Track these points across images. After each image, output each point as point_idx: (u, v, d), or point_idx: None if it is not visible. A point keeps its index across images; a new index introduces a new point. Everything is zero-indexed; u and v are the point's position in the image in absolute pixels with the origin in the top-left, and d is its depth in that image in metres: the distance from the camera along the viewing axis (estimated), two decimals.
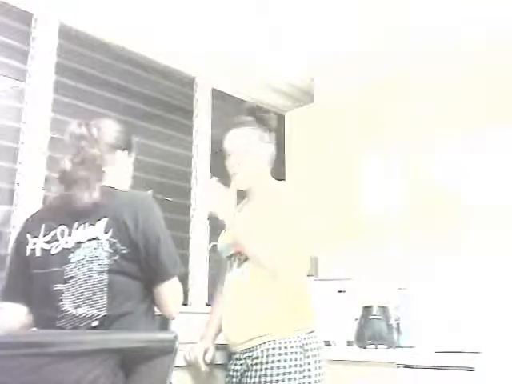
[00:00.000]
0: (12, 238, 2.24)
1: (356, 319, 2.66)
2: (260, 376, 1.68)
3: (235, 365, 1.78)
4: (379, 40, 3.00)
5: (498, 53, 2.72)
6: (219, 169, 3.16)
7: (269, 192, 1.87)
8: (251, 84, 3.45)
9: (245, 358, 1.74)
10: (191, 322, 2.60)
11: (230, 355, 1.84)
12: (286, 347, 1.68)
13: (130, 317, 1.50)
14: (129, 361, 1.23)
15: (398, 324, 2.63)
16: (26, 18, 2.53)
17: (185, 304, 2.83)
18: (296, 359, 1.66)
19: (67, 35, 2.65)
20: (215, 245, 3.04)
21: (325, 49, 3.14)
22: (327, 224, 3.06)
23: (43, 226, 1.56)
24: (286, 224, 1.74)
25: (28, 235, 1.58)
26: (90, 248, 1.48)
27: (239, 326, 1.78)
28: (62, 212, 1.56)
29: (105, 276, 1.47)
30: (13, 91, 2.46)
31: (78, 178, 1.53)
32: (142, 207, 1.56)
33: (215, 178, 1.83)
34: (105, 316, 1.46)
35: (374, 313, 2.60)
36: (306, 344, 1.70)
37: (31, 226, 1.60)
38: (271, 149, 1.96)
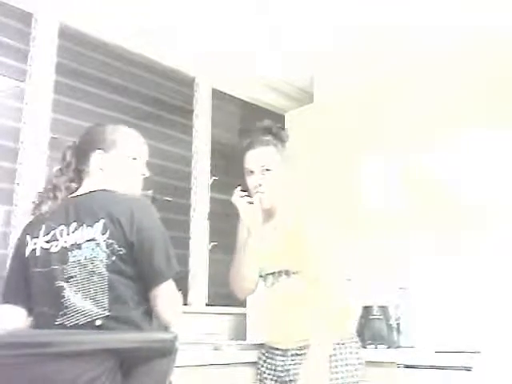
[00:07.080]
0: (12, 237, 2.24)
1: (356, 319, 2.65)
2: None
3: (283, 361, 1.94)
4: (379, 40, 3.00)
5: (498, 53, 2.71)
6: (219, 169, 3.20)
7: (291, 212, 2.00)
8: (251, 84, 3.45)
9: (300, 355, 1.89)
10: (191, 322, 2.60)
11: (272, 352, 1.99)
12: (343, 341, 1.91)
13: (132, 319, 1.50)
14: (128, 361, 1.22)
15: (397, 324, 2.62)
16: (26, 18, 2.53)
17: (185, 304, 2.83)
18: (357, 352, 1.95)
19: (67, 35, 2.65)
20: (215, 245, 3.07)
21: (325, 49, 3.14)
22: (327, 224, 3.06)
23: (43, 226, 1.59)
24: (313, 238, 1.96)
25: (28, 237, 1.60)
26: (88, 249, 1.50)
27: (294, 328, 1.92)
28: (61, 213, 1.59)
29: (105, 277, 1.48)
30: (13, 91, 2.46)
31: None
32: (137, 208, 1.56)
33: (239, 188, 1.96)
34: (108, 316, 1.46)
35: (374, 313, 2.60)
36: (356, 342, 2.00)
37: (31, 228, 1.63)
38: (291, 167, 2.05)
